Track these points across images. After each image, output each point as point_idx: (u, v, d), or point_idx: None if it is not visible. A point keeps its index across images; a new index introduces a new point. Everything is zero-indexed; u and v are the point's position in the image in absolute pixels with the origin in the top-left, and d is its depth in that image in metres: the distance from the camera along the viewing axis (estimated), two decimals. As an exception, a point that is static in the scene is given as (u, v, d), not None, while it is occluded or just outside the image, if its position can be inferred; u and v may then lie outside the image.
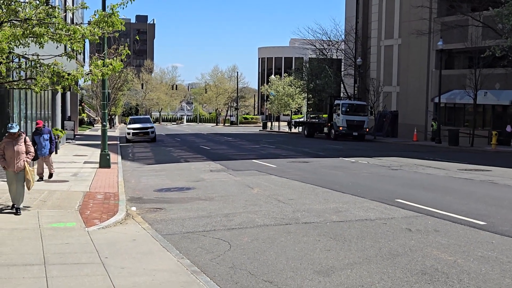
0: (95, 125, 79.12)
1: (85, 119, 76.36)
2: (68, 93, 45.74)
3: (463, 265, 8.55)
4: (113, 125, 77.19)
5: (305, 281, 7.98)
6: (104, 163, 22.35)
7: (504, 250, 9.35)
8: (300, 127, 59.56)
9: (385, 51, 51.50)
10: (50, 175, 18.55)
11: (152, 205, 14.47)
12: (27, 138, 12.64)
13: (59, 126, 37.56)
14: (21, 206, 12.41)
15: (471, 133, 37.57)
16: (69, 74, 12.45)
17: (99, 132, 40.30)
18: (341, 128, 45.66)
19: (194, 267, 8.61)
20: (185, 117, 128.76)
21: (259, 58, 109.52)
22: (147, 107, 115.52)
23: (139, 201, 15.07)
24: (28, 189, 12.58)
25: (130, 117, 51.05)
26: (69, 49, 12.03)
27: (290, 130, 65.59)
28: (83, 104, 78.22)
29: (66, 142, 38.18)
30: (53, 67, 12.07)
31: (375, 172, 21.17)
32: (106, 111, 22.99)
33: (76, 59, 36.53)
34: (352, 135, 45.48)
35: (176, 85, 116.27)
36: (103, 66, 12.62)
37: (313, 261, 8.94)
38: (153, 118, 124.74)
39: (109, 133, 55.28)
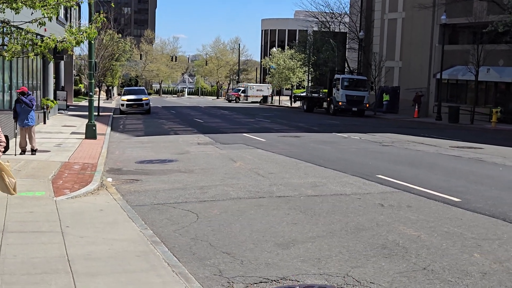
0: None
1: (82, 89, 76.32)
2: (62, 63, 45.74)
3: (426, 240, 8.67)
4: (111, 96, 77.22)
5: (263, 253, 8.11)
6: (90, 134, 22.48)
7: (471, 227, 9.45)
8: (300, 102, 59.50)
9: (388, 25, 51.16)
10: (33, 151, 17.14)
11: (130, 176, 14.60)
12: None
13: (51, 96, 37.62)
14: None
15: (472, 111, 37.49)
16: (42, 41, 12.50)
17: (95, 104, 40.40)
18: (340, 103, 45.56)
19: (155, 238, 8.74)
20: (186, 89, 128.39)
21: (262, 30, 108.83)
22: (147, 78, 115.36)
23: (117, 172, 15.20)
24: (14, 191, 9.14)
25: (124, 88, 51.12)
26: (42, 15, 12.02)
27: (291, 105, 65.58)
28: (80, 74, 78.09)
29: (58, 113, 38.32)
30: (25, 34, 12.10)
31: (364, 147, 21.24)
32: (93, 81, 23.07)
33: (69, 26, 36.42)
34: (352, 110, 45.40)
35: (176, 57, 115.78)
36: (79, 33, 12.66)
37: (276, 234, 9.06)
38: (154, 90, 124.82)
39: (105, 105, 55.77)
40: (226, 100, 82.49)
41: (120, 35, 51.28)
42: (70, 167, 14.91)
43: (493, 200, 11.59)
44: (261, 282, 7.02)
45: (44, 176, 13.39)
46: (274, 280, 7.08)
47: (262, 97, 77.38)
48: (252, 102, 75.60)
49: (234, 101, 78.35)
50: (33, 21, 11.83)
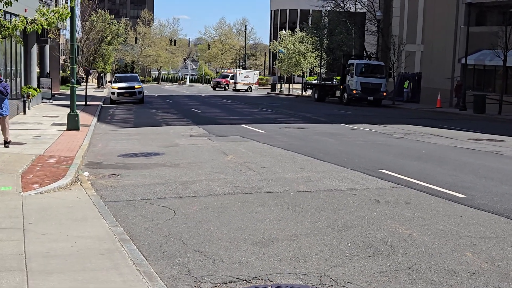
0: (82, 83, 79.59)
1: (72, 77, 76.85)
2: (47, 47, 46.20)
3: (417, 238, 8.86)
4: (103, 84, 77.74)
5: (238, 251, 8.34)
6: (72, 125, 22.80)
7: (469, 224, 9.64)
8: (311, 90, 59.57)
9: (409, 4, 51.08)
10: (6, 143, 17.30)
11: (109, 170, 14.88)
12: None
13: (34, 84, 38.06)
14: None
15: (500, 99, 37.42)
16: (11, 23, 12.78)
17: (83, 92, 40.87)
18: (354, 91, 45.59)
19: (124, 235, 8.99)
20: (188, 77, 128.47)
21: (271, 11, 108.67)
22: (144, 64, 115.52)
23: (96, 166, 15.49)
24: None
25: (115, 75, 51.58)
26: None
27: (302, 93, 65.71)
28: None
29: (42, 102, 38.75)
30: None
31: (372, 140, 21.43)
32: (75, 66, 23.35)
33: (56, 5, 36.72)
34: (367, 99, 45.40)
35: (175, 40, 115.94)
36: (50, 14, 12.92)
37: (256, 232, 9.29)
38: (152, 77, 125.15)
39: (96, 93, 56.33)
40: (212, 87, 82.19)
41: (113, 16, 51.45)
42: (44, 161, 15.21)
43: (500, 196, 11.77)
44: (231, 282, 7.25)
45: (14, 170, 13.69)
46: (245, 280, 7.31)
47: (249, 85, 76.95)
48: (235, 90, 75.09)
49: (223, 89, 78.05)
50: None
